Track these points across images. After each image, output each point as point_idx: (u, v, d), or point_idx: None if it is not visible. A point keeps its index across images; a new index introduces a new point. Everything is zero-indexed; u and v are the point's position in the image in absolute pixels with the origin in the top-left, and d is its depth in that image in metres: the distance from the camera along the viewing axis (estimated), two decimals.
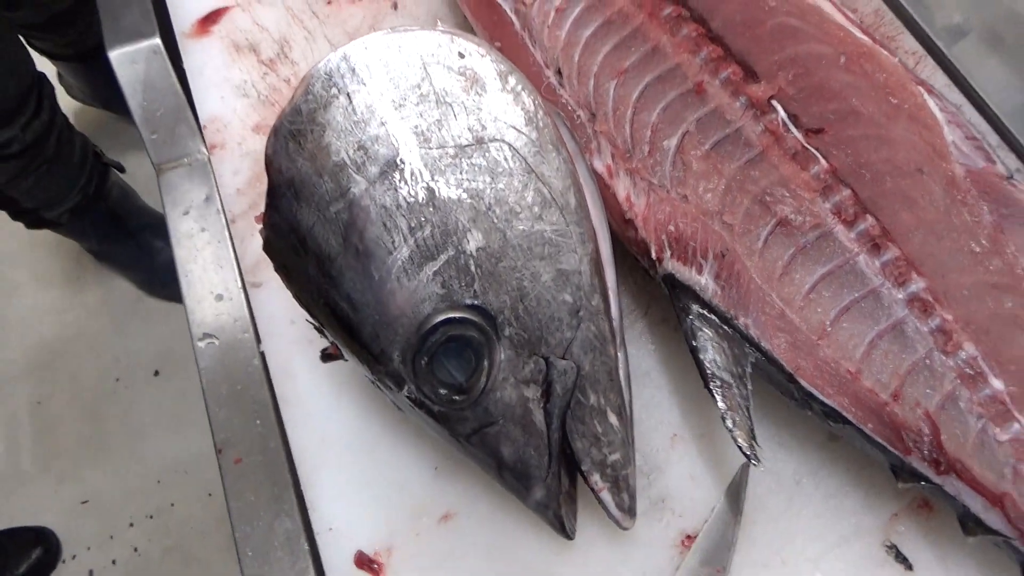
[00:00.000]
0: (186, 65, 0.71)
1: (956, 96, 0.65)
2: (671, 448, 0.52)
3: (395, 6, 0.72)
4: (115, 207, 1.50)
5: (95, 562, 1.51)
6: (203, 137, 0.68)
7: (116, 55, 0.76)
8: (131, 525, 1.54)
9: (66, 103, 1.47)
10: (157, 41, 0.76)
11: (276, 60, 0.70)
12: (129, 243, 1.57)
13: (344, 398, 0.55)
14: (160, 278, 1.65)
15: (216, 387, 0.63)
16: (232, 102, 0.69)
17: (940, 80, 0.66)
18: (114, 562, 1.51)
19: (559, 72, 0.58)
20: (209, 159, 0.67)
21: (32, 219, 1.41)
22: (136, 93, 0.76)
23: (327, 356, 0.51)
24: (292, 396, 0.56)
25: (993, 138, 0.63)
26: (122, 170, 1.52)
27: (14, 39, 1.24)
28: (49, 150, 1.28)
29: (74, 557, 1.52)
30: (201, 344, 0.65)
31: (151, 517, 1.54)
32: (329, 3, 0.73)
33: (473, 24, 0.66)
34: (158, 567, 1.50)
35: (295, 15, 0.73)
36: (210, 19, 0.73)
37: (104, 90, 1.69)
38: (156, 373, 1.67)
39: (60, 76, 1.70)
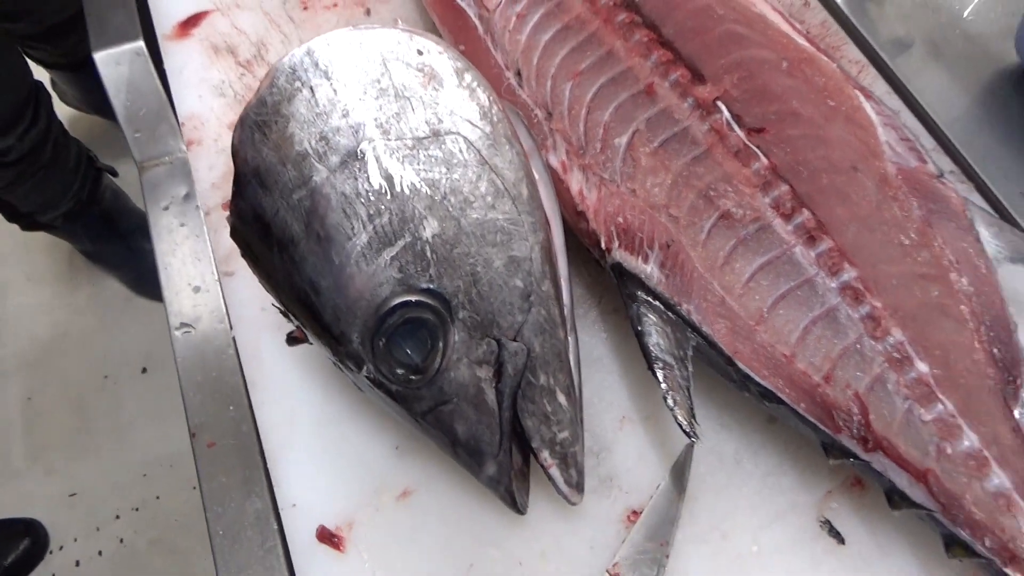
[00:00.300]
0: (167, 66, 0.72)
1: (896, 102, 0.66)
2: (620, 429, 0.53)
3: (368, 11, 0.73)
4: (108, 210, 1.50)
5: (82, 553, 1.50)
6: (182, 135, 0.68)
7: (101, 57, 0.76)
8: (117, 517, 1.53)
9: (60, 109, 1.46)
10: (140, 44, 0.77)
11: (253, 61, 0.71)
12: (120, 244, 1.57)
13: (309, 380, 0.55)
14: (149, 278, 1.64)
15: (192, 374, 0.63)
16: (210, 101, 0.69)
17: (881, 88, 0.67)
18: (100, 553, 1.50)
19: (519, 74, 0.59)
20: (187, 157, 0.68)
21: (27, 222, 1.40)
22: (120, 93, 0.77)
23: (293, 340, 0.52)
24: (260, 379, 0.56)
25: (929, 141, 0.64)
26: (115, 174, 1.52)
27: (13, 50, 1.24)
28: (46, 157, 1.28)
29: (61, 548, 1.51)
30: (178, 333, 0.66)
31: (136, 510, 1.53)
32: (305, 8, 0.74)
33: (440, 28, 0.66)
34: (143, 558, 1.50)
35: (272, 19, 0.73)
36: (190, 22, 0.74)
37: (96, 96, 1.68)
38: (144, 370, 1.67)
39: (54, 83, 1.69)
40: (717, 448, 0.52)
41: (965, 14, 0.71)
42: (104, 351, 1.71)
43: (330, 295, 0.45)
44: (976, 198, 0.61)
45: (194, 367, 0.63)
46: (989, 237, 0.52)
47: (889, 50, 0.70)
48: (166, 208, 0.72)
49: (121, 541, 1.51)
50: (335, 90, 0.46)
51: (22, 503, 1.55)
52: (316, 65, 0.46)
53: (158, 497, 1.54)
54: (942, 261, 0.50)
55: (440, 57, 0.47)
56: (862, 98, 0.56)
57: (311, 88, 0.46)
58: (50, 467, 1.60)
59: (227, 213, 0.48)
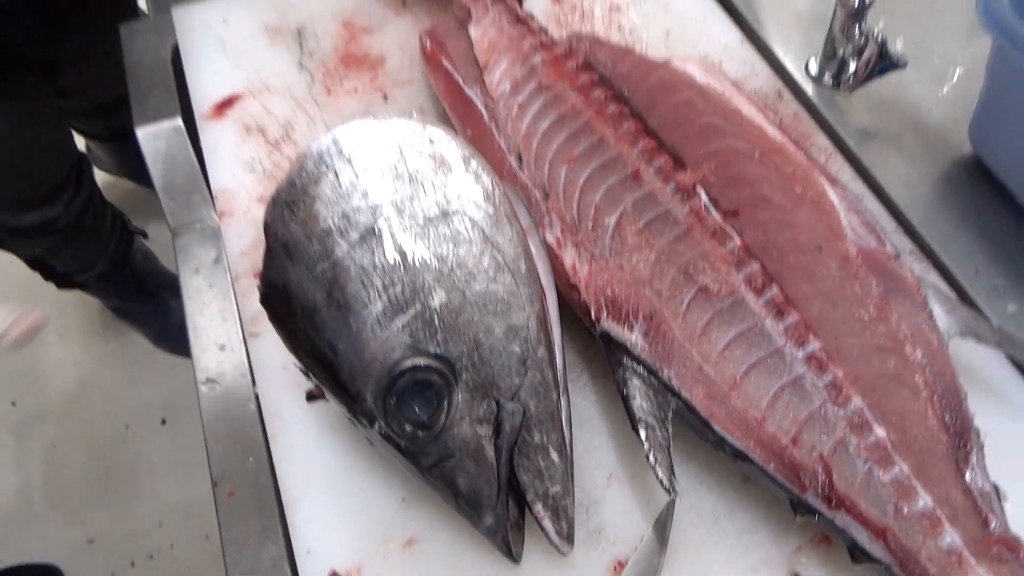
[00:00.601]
0: (203, 143, 0.76)
1: (860, 187, 0.70)
2: (608, 486, 0.55)
3: (385, 97, 0.78)
4: (137, 270, 1.54)
5: None
6: (214, 206, 0.72)
7: (143, 132, 0.81)
8: (132, 564, 1.53)
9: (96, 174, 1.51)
10: (179, 121, 0.81)
11: (281, 141, 0.75)
12: (147, 301, 1.61)
13: (325, 435, 0.58)
14: (172, 334, 1.68)
15: (215, 427, 0.66)
16: (241, 176, 0.73)
17: (847, 174, 0.71)
18: None
19: (519, 157, 0.63)
20: (219, 224, 0.71)
21: (63, 281, 1.44)
22: (158, 165, 0.81)
23: (311, 397, 0.55)
24: (281, 433, 0.59)
25: (890, 223, 0.68)
26: (145, 236, 1.56)
27: (63, 124, 1.29)
28: (87, 223, 1.32)
29: None
30: (204, 388, 0.68)
31: (151, 557, 1.53)
32: (328, 93, 0.78)
33: (450, 115, 0.71)
34: None
35: (299, 103, 0.78)
36: (226, 104, 0.78)
37: (130, 163, 1.74)
38: (163, 421, 1.68)
39: (89, 149, 1.75)
40: (696, 506, 0.54)
41: (924, 107, 0.76)
42: (126, 402, 1.73)
43: (347, 357, 0.48)
44: (933, 276, 0.64)
45: (217, 420, 0.66)
46: (941, 313, 0.55)
47: (855, 139, 0.74)
48: (196, 271, 0.75)
49: None
50: (357, 174, 0.49)
51: (42, 548, 1.55)
52: (340, 152, 0.50)
53: (172, 546, 1.54)
54: (898, 335, 0.52)
55: (449, 145, 0.51)
56: (827, 185, 0.60)
57: (335, 172, 0.49)
58: (70, 513, 1.61)
59: (257, 281, 0.51)
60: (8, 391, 1.76)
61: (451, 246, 0.49)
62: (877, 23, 0.80)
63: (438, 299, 0.48)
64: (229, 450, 0.64)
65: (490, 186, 0.51)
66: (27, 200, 1.20)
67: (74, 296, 1.72)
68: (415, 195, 0.49)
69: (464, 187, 0.50)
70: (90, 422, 1.71)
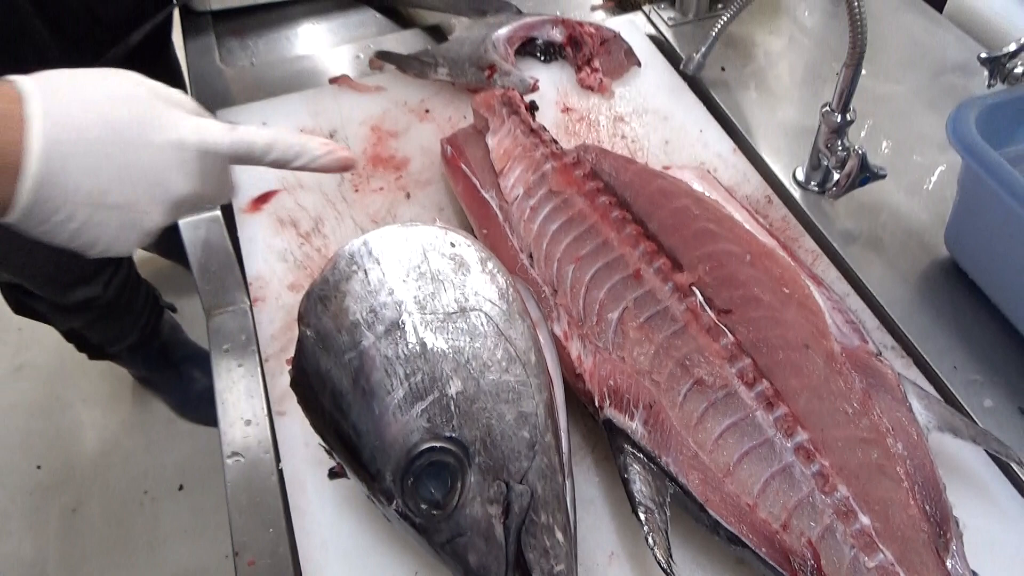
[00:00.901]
0: (240, 235, 0.79)
1: (845, 287, 0.73)
2: (609, 564, 0.56)
3: (408, 196, 0.81)
4: (165, 342, 1.57)
5: None
6: (248, 292, 0.75)
7: (184, 223, 0.85)
8: None
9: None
10: (217, 214, 0.85)
11: (311, 233, 0.79)
12: (172, 372, 1.63)
13: (345, 511, 0.59)
14: (193, 403, 1.70)
15: (238, 498, 0.67)
16: (273, 265, 0.76)
17: (833, 274, 0.74)
18: None
19: (531, 256, 0.66)
20: (252, 308, 0.74)
21: (95, 353, 1.47)
22: (196, 251, 0.84)
23: (333, 474, 0.56)
24: (303, 507, 0.60)
25: (873, 321, 0.70)
26: (175, 311, 1.59)
27: None
28: (123, 300, 1.35)
29: None
30: (229, 461, 0.70)
31: None
32: (356, 190, 0.82)
33: (468, 214, 0.74)
34: None
35: (328, 199, 0.82)
36: (262, 199, 0.82)
37: (166, 243, 1.79)
38: (180, 487, 1.68)
39: None
40: None
41: (903, 212, 0.79)
42: (145, 468, 1.73)
43: (369, 439, 0.50)
44: (913, 371, 0.66)
45: (240, 491, 0.67)
46: (920, 408, 0.57)
47: (839, 241, 0.77)
48: (227, 350, 0.78)
49: None
50: (384, 273, 0.52)
51: None
52: (370, 253, 0.53)
53: None
54: (880, 428, 0.54)
55: (469, 249, 0.54)
56: (812, 286, 0.63)
57: (365, 271, 0.52)
58: None
59: (288, 366, 0.54)
60: (33, 455, 1.77)
61: (468, 339, 0.51)
62: (859, 135, 0.84)
63: (455, 387, 0.50)
64: (250, 521, 0.66)
65: (504, 285, 0.54)
66: (74, 279, 1.23)
67: (100, 365, 1.74)
68: (436, 293, 0.52)
69: (481, 286, 0.53)
70: (109, 487, 1.71)
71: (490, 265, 0.54)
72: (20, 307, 1.28)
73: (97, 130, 0.44)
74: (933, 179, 0.82)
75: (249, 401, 0.73)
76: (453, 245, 0.54)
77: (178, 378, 1.61)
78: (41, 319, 1.32)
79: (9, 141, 0.42)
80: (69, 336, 1.42)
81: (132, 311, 1.40)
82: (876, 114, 0.89)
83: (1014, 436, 0.63)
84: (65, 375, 1.89)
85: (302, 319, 0.52)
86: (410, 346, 0.51)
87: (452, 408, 0.50)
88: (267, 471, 0.67)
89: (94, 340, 1.40)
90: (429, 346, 0.51)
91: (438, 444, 0.49)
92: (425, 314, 0.52)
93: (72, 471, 1.74)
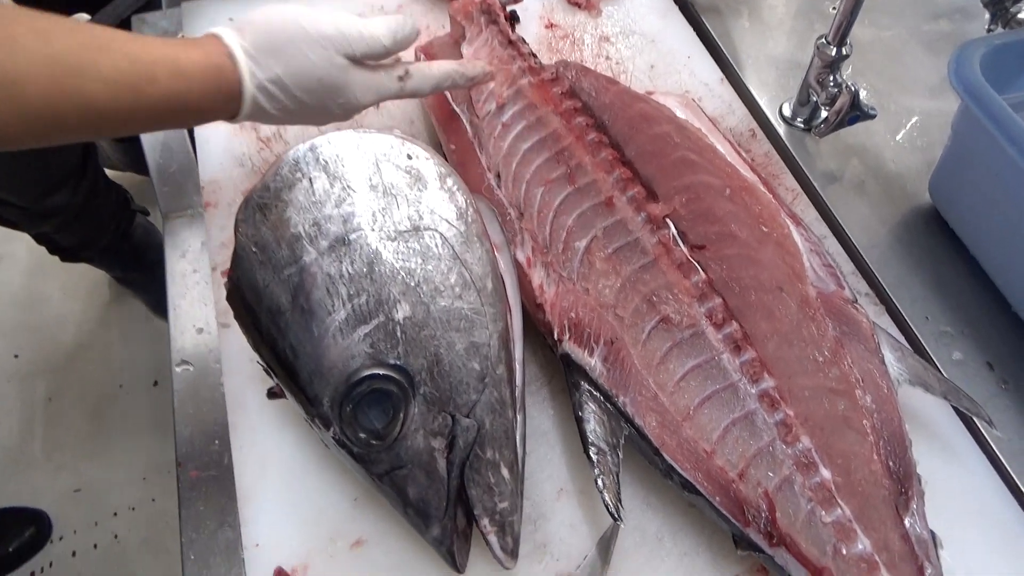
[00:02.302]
0: (196, 136, 0.71)
1: (823, 228, 0.66)
2: (557, 500, 0.52)
3: (377, 105, 0.73)
4: (137, 244, 1.48)
5: (79, 545, 1.44)
6: (201, 196, 0.68)
7: None
8: (115, 515, 1.48)
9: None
10: None
11: (272, 138, 0.70)
12: (146, 273, 1.55)
13: (284, 431, 0.54)
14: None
15: (185, 408, 0.61)
16: (230, 170, 0.68)
17: (811, 214, 0.67)
18: (95, 546, 1.44)
19: (499, 175, 0.58)
20: (203, 213, 0.67)
21: (67, 255, 1.38)
22: (155, 152, 0.76)
23: (272, 394, 0.50)
24: (242, 424, 0.54)
25: (848, 266, 0.64)
26: (147, 214, 1.50)
27: None
28: (92, 204, 1.26)
29: (61, 538, 1.45)
30: (178, 369, 0.64)
31: (133, 509, 1.48)
32: None
33: (436, 128, 0.66)
34: (134, 555, 1.44)
35: None
36: None
37: (137, 159, 1.68)
38: (155, 383, 1.63)
39: (99, 147, 1.68)
40: (642, 526, 0.50)
41: (888, 156, 0.72)
42: (121, 363, 1.67)
43: (307, 361, 0.44)
44: (885, 319, 0.61)
45: (188, 401, 0.61)
46: (893, 360, 0.51)
47: (821, 181, 0.71)
48: (183, 255, 0.71)
49: (116, 537, 1.45)
50: (331, 183, 0.45)
51: (32, 493, 1.50)
52: (317, 160, 0.45)
53: (153, 500, 1.49)
54: (850, 378, 0.49)
55: (426, 162, 0.47)
56: (792, 226, 0.56)
57: (310, 179, 0.45)
58: (61, 463, 1.55)
59: (224, 279, 0.47)
60: (11, 344, 1.70)
61: (420, 261, 0.45)
62: (848, 73, 0.76)
63: (402, 312, 0.44)
64: (196, 432, 0.60)
65: (464, 205, 0.47)
66: (45, 186, 1.14)
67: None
68: (388, 208, 0.45)
69: (438, 204, 0.46)
70: (86, 380, 1.65)
71: (449, 182, 0.47)
72: None
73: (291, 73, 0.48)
74: (923, 124, 0.75)
75: (202, 309, 0.67)
76: (410, 157, 0.47)
77: (152, 279, 1.53)
78: (10, 225, 1.23)
79: (231, 83, 0.47)
80: (40, 240, 1.33)
81: (102, 215, 1.31)
82: (869, 54, 0.81)
83: (980, 390, 0.58)
84: (45, 268, 1.80)
85: (238, 228, 0.45)
86: (355, 265, 0.44)
87: (398, 334, 0.44)
88: (215, 382, 0.61)
89: (65, 244, 1.32)
90: (376, 266, 0.44)
91: (380, 371, 0.43)
92: (374, 231, 0.45)
93: (49, 362, 1.68)
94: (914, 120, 0.75)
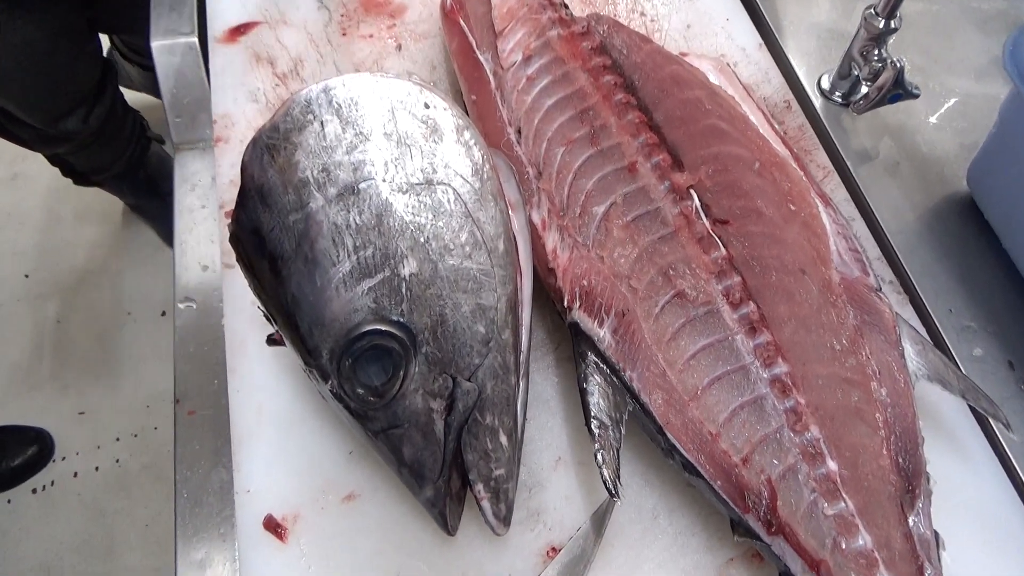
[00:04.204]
0: (211, 66, 0.69)
1: (851, 210, 0.64)
2: (554, 469, 0.51)
3: (399, 47, 0.70)
4: (152, 173, 1.47)
5: (81, 466, 1.47)
6: (212, 129, 0.66)
7: (157, 46, 0.74)
8: (117, 439, 1.50)
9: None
10: (194, 39, 0.74)
11: (288, 75, 0.68)
12: (159, 202, 1.54)
13: (282, 378, 0.53)
14: None
15: (185, 345, 0.61)
16: (243, 104, 0.66)
17: (841, 195, 0.65)
18: (97, 469, 1.47)
19: (519, 131, 0.56)
20: (213, 148, 0.65)
21: (80, 179, 1.37)
22: (169, 80, 0.74)
23: (272, 341, 0.49)
24: (240, 368, 0.54)
25: (874, 251, 0.62)
26: (162, 142, 1.48)
27: (94, 37, 1.19)
28: (107, 130, 1.24)
29: (64, 459, 1.48)
30: (181, 306, 0.63)
31: (135, 436, 1.50)
32: (344, 34, 0.71)
33: (459, 76, 0.64)
34: (134, 479, 1.47)
35: (312, 39, 0.71)
36: (240, 30, 0.71)
37: (157, 82, 1.65)
38: (163, 314, 1.63)
39: (121, 67, 1.65)
40: (638, 502, 0.50)
41: (927, 139, 0.69)
42: (131, 290, 1.68)
43: (309, 311, 0.43)
44: (908, 310, 0.59)
45: (189, 339, 0.61)
46: (913, 354, 0.49)
47: (854, 160, 0.68)
48: (192, 188, 0.70)
49: (117, 461, 1.48)
50: (343, 128, 0.43)
51: (38, 412, 1.52)
52: (330, 102, 0.43)
53: (156, 427, 1.51)
54: (866, 369, 0.47)
55: (444, 113, 0.45)
56: (820, 206, 0.54)
57: (322, 122, 0.43)
58: (66, 385, 1.57)
59: (228, 220, 0.46)
60: (22, 264, 1.71)
61: (430, 216, 0.43)
62: (894, 50, 0.73)
63: (409, 268, 0.42)
64: (195, 370, 0.60)
65: (480, 160, 0.45)
66: (58, 110, 1.12)
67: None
68: (401, 158, 0.43)
69: (453, 157, 0.44)
70: (95, 304, 1.66)
71: (467, 135, 0.45)
72: (2, 132, 1.17)
73: None
74: (966, 107, 0.72)
75: (209, 246, 0.66)
76: (427, 106, 0.45)
77: (165, 209, 1.52)
78: (25, 145, 1.21)
79: None
80: (54, 161, 1.32)
81: (117, 141, 1.29)
82: (916, 28, 0.77)
83: (998, 389, 0.56)
84: (59, 190, 1.79)
85: (245, 169, 0.44)
86: (363, 216, 0.42)
87: (403, 290, 0.42)
88: (218, 322, 0.60)
89: (79, 167, 1.30)
90: (385, 218, 0.42)
91: (382, 327, 0.42)
92: (385, 181, 0.43)
93: (59, 284, 1.69)
94: (957, 102, 0.72)
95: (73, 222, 1.77)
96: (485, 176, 0.45)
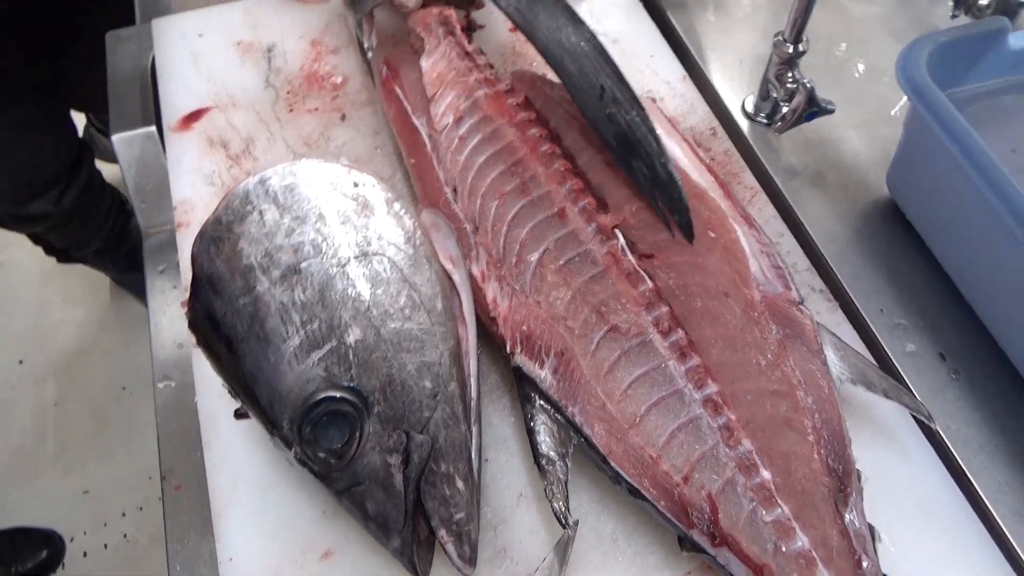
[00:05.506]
0: (168, 154, 0.73)
1: (780, 225, 0.68)
2: (516, 506, 0.54)
3: (343, 118, 0.75)
4: (134, 247, 1.51)
5: (90, 545, 1.49)
6: (174, 217, 0.70)
7: (118, 138, 0.78)
8: (123, 514, 1.52)
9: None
10: (152, 129, 0.78)
11: (241, 156, 0.72)
12: (143, 276, 1.57)
13: (254, 448, 0.56)
14: None
15: (167, 423, 0.64)
16: (200, 189, 0.70)
17: (770, 211, 0.69)
18: (105, 546, 1.49)
19: (455, 190, 0.60)
20: (175, 234, 0.69)
21: (62, 256, 1.41)
22: (132, 169, 0.78)
23: (239, 415, 0.53)
24: (214, 441, 0.57)
25: (804, 262, 0.66)
26: None
27: (65, 122, 1.23)
28: (83, 208, 1.28)
29: (72, 540, 1.50)
30: (160, 385, 0.66)
31: (140, 508, 1.53)
32: (291, 111, 0.75)
33: (398, 141, 0.68)
34: (143, 552, 1.49)
35: (262, 118, 0.75)
36: (193, 116, 0.75)
37: None
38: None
39: (95, 141, 1.70)
40: (597, 527, 0.53)
41: (848, 150, 0.73)
42: (124, 364, 1.71)
43: (266, 387, 0.46)
44: (839, 315, 0.63)
45: (170, 417, 0.64)
46: (835, 360, 0.53)
47: (782, 176, 0.72)
48: (162, 271, 0.73)
49: (125, 536, 1.50)
50: (281, 214, 0.47)
51: (43, 496, 1.55)
52: (267, 192, 0.47)
53: (160, 498, 1.53)
54: (792, 380, 0.51)
55: (373, 189, 0.49)
56: (741, 230, 0.58)
57: (260, 212, 0.47)
58: (69, 467, 1.60)
59: (184, 309, 0.49)
60: (15, 350, 1.74)
61: (369, 286, 0.47)
62: (816, 61, 0.77)
63: (354, 336, 0.46)
64: (179, 446, 0.63)
65: (411, 228, 0.49)
66: (25, 195, 1.16)
67: (79, 266, 1.69)
68: (337, 235, 0.47)
69: (385, 229, 0.48)
70: (90, 383, 1.69)
71: (396, 206, 0.49)
72: None
73: None
74: (885, 115, 0.76)
75: (182, 325, 0.69)
76: (356, 185, 0.49)
77: None
78: (2, 225, 1.26)
79: None
80: (35, 240, 1.36)
81: (95, 218, 1.33)
82: (837, 39, 0.82)
83: (932, 380, 0.60)
84: (46, 273, 1.84)
85: (195, 260, 0.47)
86: (307, 292, 0.46)
87: (351, 357, 0.46)
88: (193, 398, 0.63)
89: (58, 245, 1.34)
90: (327, 293, 0.46)
91: (335, 394, 0.45)
92: (323, 258, 0.47)
93: (54, 367, 1.72)
94: (875, 111, 0.76)
95: (62, 304, 1.81)
96: (417, 242, 0.49)
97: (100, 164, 1.39)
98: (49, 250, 1.38)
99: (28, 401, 1.68)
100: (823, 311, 0.62)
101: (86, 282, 1.81)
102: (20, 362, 1.73)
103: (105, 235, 1.38)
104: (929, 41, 0.60)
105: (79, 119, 1.47)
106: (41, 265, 1.82)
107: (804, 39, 0.68)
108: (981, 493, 0.55)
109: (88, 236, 1.35)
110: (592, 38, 0.58)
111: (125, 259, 1.50)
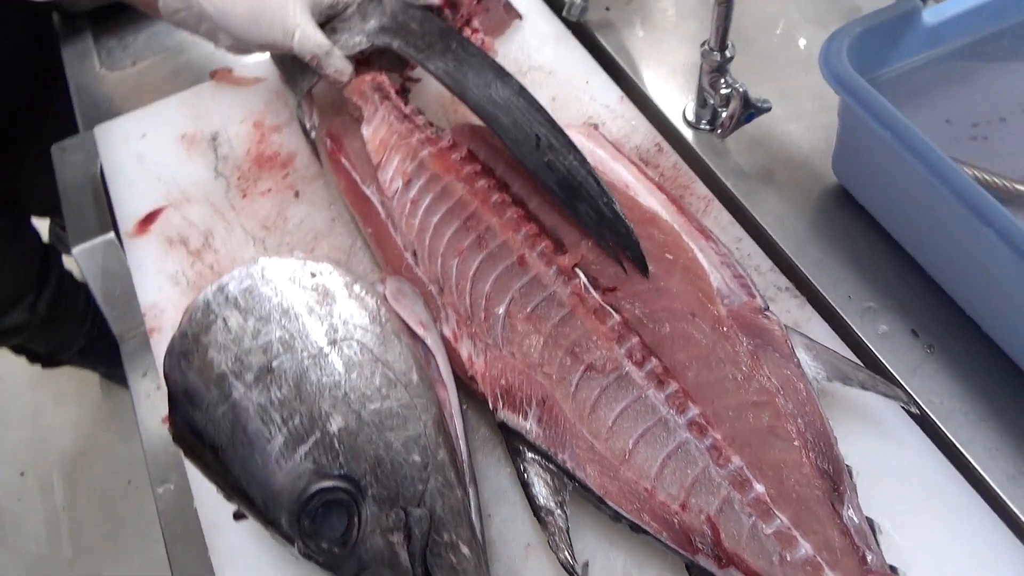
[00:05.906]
0: (129, 262, 0.74)
1: (738, 230, 0.69)
2: (526, 556, 0.54)
3: (297, 195, 0.75)
4: (116, 340, 1.50)
5: None
6: (144, 323, 0.70)
7: (78, 251, 0.78)
8: None
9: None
10: (111, 236, 0.79)
11: (202, 250, 0.73)
12: None
13: (260, 545, 0.56)
14: None
15: (172, 527, 0.64)
16: (167, 291, 0.71)
17: (725, 218, 0.70)
18: None
19: (415, 253, 0.61)
20: (149, 340, 0.69)
21: (47, 361, 1.41)
22: (97, 279, 0.78)
23: (237, 516, 0.53)
24: (218, 544, 0.57)
25: (766, 262, 0.67)
26: None
27: (26, 235, 1.23)
28: (58, 313, 1.28)
29: None
30: (159, 490, 0.66)
31: None
32: (244, 196, 0.76)
33: (353, 212, 0.69)
34: None
35: (217, 209, 0.76)
36: (148, 219, 0.76)
37: None
38: None
39: (60, 239, 1.69)
40: (608, 564, 0.53)
41: (792, 142, 0.75)
42: (126, 458, 1.70)
43: (259, 488, 0.47)
44: (808, 310, 0.63)
45: (174, 520, 0.64)
46: (808, 360, 0.54)
47: (732, 179, 0.73)
48: (144, 374, 0.73)
49: None
50: (244, 317, 0.48)
51: None
52: (227, 299, 0.48)
53: None
54: (769, 388, 0.52)
55: (331, 276, 0.50)
56: (697, 246, 0.59)
57: (223, 319, 0.48)
58: (87, 568, 1.59)
59: (166, 425, 0.50)
60: (15, 463, 1.73)
61: (343, 372, 0.47)
62: (747, 61, 0.78)
63: (336, 424, 0.47)
64: (187, 547, 0.63)
65: (375, 307, 0.50)
66: (1, 307, 1.16)
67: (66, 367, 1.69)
68: (303, 329, 0.48)
69: (349, 313, 0.49)
70: (96, 482, 1.69)
71: (356, 288, 0.50)
72: None
73: None
74: (821, 103, 0.77)
75: None
76: (314, 275, 0.49)
77: None
78: None
79: None
80: (16, 351, 1.36)
81: (72, 319, 1.33)
82: (763, 34, 0.83)
83: (908, 357, 0.61)
84: (33, 381, 1.83)
85: (168, 377, 0.48)
86: (283, 390, 0.47)
87: (336, 445, 0.47)
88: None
89: (41, 351, 1.34)
90: (303, 386, 0.47)
91: (327, 484, 0.46)
92: (294, 353, 0.47)
93: (59, 471, 1.71)
94: (811, 100, 0.78)
95: (54, 408, 1.80)
96: (383, 319, 0.49)
97: (71, 262, 1.39)
98: (33, 358, 1.38)
99: (38, 510, 1.67)
100: (792, 308, 0.63)
101: (75, 382, 1.80)
102: (21, 474, 1.72)
103: (86, 333, 1.38)
104: (847, 32, 0.62)
105: (42, 223, 1.47)
106: (28, 373, 1.81)
107: (730, 44, 0.70)
108: (973, 462, 0.56)
109: (69, 337, 1.35)
110: (521, 90, 0.59)
111: (110, 353, 1.49)
